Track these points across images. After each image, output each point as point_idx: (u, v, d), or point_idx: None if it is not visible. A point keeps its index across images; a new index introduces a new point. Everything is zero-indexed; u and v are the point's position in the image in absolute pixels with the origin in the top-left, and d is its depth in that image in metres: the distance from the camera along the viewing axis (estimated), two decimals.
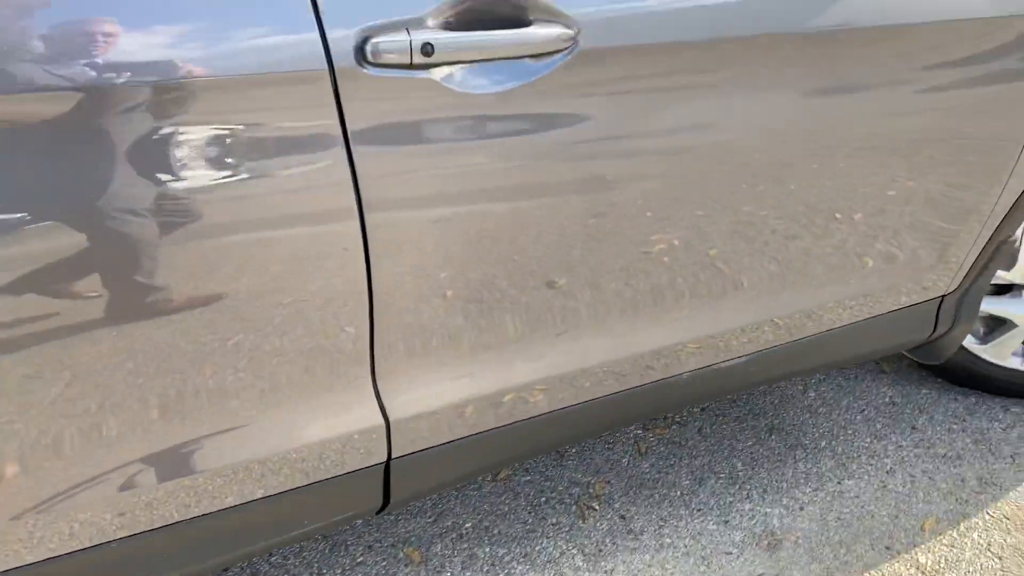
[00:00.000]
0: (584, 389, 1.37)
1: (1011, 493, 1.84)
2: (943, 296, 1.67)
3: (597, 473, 1.90)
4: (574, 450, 1.97)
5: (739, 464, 1.92)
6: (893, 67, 1.34)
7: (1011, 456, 1.94)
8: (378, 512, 1.33)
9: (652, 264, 1.27)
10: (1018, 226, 1.64)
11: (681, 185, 1.22)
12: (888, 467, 1.91)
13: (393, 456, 1.26)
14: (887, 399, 2.13)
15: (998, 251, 1.65)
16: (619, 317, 1.31)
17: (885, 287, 1.57)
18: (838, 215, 1.41)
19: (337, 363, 1.13)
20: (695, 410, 2.09)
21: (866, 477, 1.88)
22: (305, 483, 1.20)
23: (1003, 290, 1.96)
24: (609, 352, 1.38)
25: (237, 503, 1.16)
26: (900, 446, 1.97)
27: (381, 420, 1.21)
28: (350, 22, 0.96)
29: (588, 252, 1.20)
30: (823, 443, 1.98)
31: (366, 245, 1.05)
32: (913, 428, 2.03)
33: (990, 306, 1.94)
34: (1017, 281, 1.89)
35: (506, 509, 1.81)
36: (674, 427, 2.04)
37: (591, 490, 1.85)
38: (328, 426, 1.18)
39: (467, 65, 1.02)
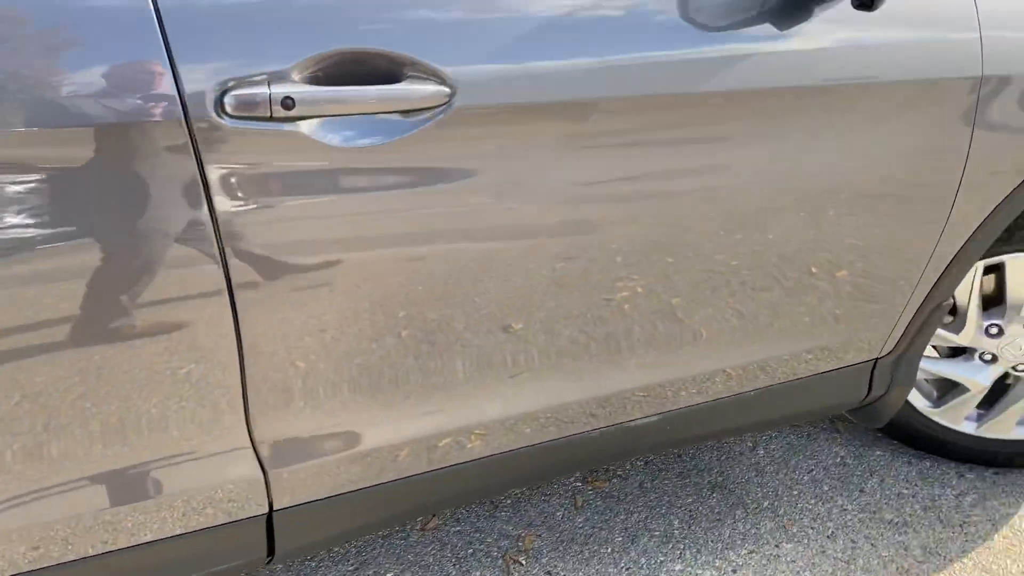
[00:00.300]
0: (491, 443, 1.35)
1: (955, 564, 1.78)
2: (876, 359, 1.62)
3: (529, 526, 1.86)
4: (508, 501, 1.93)
5: (676, 522, 1.88)
6: (817, 125, 1.32)
7: (960, 525, 1.88)
8: (267, 563, 1.31)
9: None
10: (953, 289, 1.60)
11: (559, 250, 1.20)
12: (830, 531, 1.85)
13: (275, 507, 1.24)
14: (838, 459, 2.07)
15: (933, 314, 1.60)
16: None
17: (816, 347, 1.53)
18: (752, 273, 1.38)
19: (209, 413, 1.12)
20: (638, 463, 2.05)
21: (805, 541, 1.83)
22: (184, 531, 1.19)
23: (957, 353, 1.91)
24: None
25: (113, 548, 1.15)
26: (845, 509, 1.92)
27: (259, 471, 1.19)
28: (208, 74, 0.96)
29: (456, 306, 1.18)
30: (765, 503, 1.93)
31: (232, 294, 1.04)
32: (861, 491, 1.97)
33: (941, 369, 1.89)
34: (966, 344, 1.83)
35: (431, 560, 1.77)
36: (615, 480, 2.00)
37: (520, 543, 1.82)
38: (208, 475, 1.17)
39: (335, 119, 1.02)
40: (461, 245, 1.13)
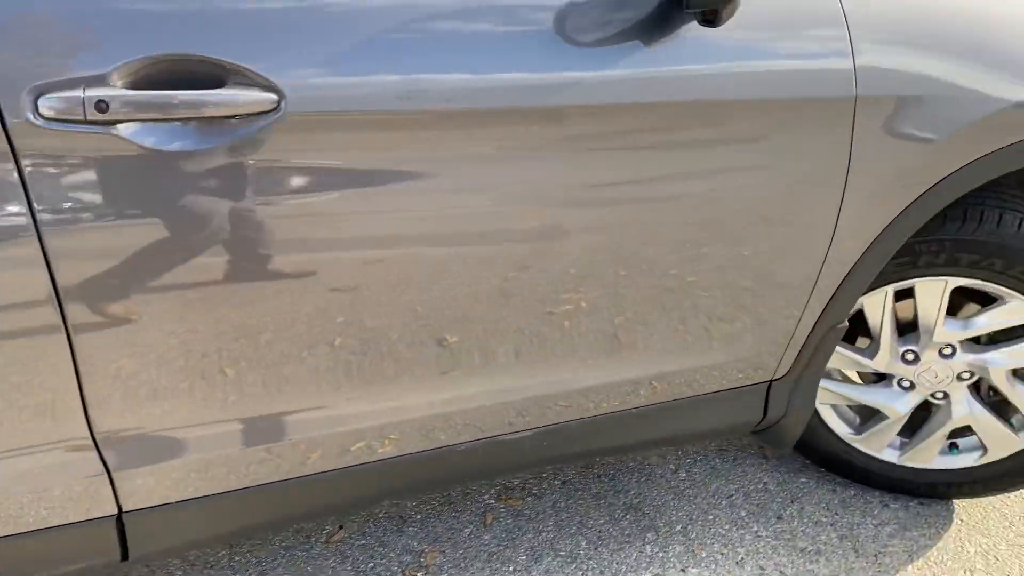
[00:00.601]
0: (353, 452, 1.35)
1: None
2: (771, 381, 1.60)
3: (435, 542, 1.85)
4: (418, 516, 1.92)
5: (584, 542, 1.86)
6: (693, 142, 1.31)
7: (875, 555, 1.83)
8: (122, 564, 1.31)
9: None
10: (847, 311, 1.57)
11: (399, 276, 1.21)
12: (739, 557, 1.82)
13: (125, 509, 1.25)
14: (761, 485, 2.04)
15: (828, 337, 1.58)
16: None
17: (705, 367, 1.52)
18: (630, 291, 1.38)
19: (45, 411, 1.13)
20: (555, 483, 2.03)
21: (712, 566, 1.80)
22: (27, 529, 1.20)
23: (882, 379, 1.88)
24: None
25: None
26: (759, 536, 1.88)
27: (103, 472, 1.20)
28: (24, 78, 0.98)
29: (287, 320, 1.19)
30: (678, 527, 1.90)
31: (58, 295, 1.06)
32: (779, 518, 1.94)
33: (859, 395, 1.85)
34: (882, 370, 1.80)
35: (329, 573, 1.77)
36: (529, 499, 1.98)
37: (422, 559, 1.81)
38: (50, 476, 1.18)
39: (158, 123, 1.03)
40: (290, 256, 1.14)
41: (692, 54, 1.27)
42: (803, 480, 2.05)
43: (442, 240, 1.21)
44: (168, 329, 1.13)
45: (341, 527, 1.89)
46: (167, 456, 1.24)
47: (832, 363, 1.80)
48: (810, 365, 1.60)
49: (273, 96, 1.06)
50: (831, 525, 1.92)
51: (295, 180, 1.11)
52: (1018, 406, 1.77)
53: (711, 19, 1.18)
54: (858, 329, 1.83)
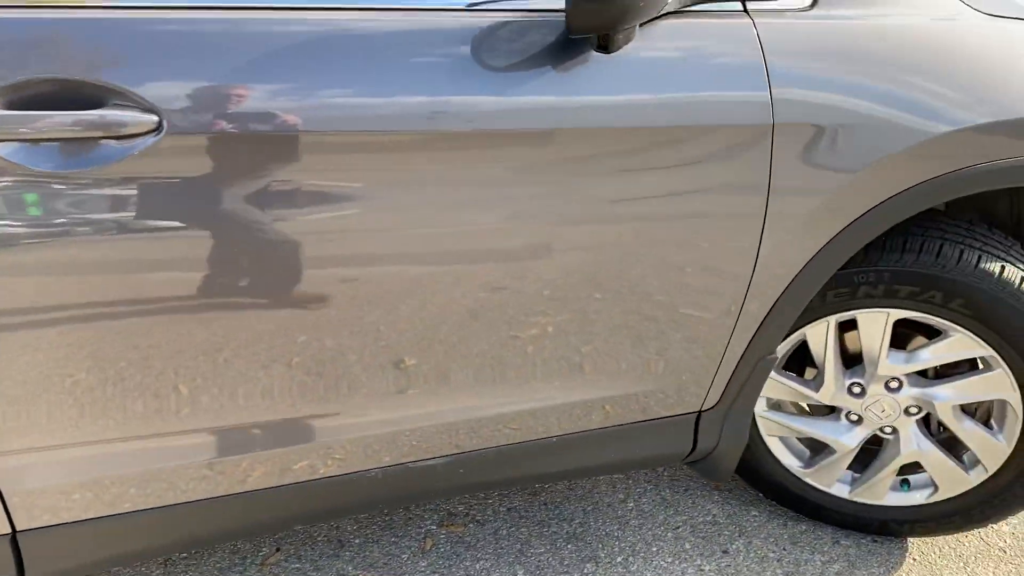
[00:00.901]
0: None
1: None
2: (700, 411, 1.57)
3: (371, 568, 1.83)
4: (357, 540, 1.91)
5: (521, 571, 1.82)
6: (612, 168, 1.30)
7: None
8: None
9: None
10: (775, 343, 1.54)
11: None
12: None
13: (19, 528, 1.24)
14: (710, 517, 1.99)
15: (757, 368, 1.54)
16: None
17: (623, 396, 1.49)
18: (550, 316, 1.36)
19: None
20: (500, 509, 2.00)
21: None
22: None
23: (833, 411, 1.83)
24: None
25: None
26: (702, 570, 1.84)
27: None
28: None
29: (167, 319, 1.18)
30: (619, 558, 1.86)
31: None
32: (724, 552, 1.89)
33: (805, 427, 1.81)
34: (827, 403, 1.76)
35: None
36: (471, 525, 1.96)
37: None
38: None
39: (32, 143, 1.04)
40: (160, 274, 1.14)
41: (602, 83, 1.25)
42: (754, 514, 2.00)
43: (313, 262, 1.21)
44: (59, 346, 1.13)
45: (278, 549, 1.87)
46: (62, 475, 1.23)
47: (780, 395, 1.77)
48: (740, 397, 1.57)
49: (154, 117, 1.06)
50: (777, 561, 1.87)
51: (176, 199, 1.11)
52: (966, 442, 1.72)
53: (605, 45, 1.16)
54: (806, 361, 1.80)
